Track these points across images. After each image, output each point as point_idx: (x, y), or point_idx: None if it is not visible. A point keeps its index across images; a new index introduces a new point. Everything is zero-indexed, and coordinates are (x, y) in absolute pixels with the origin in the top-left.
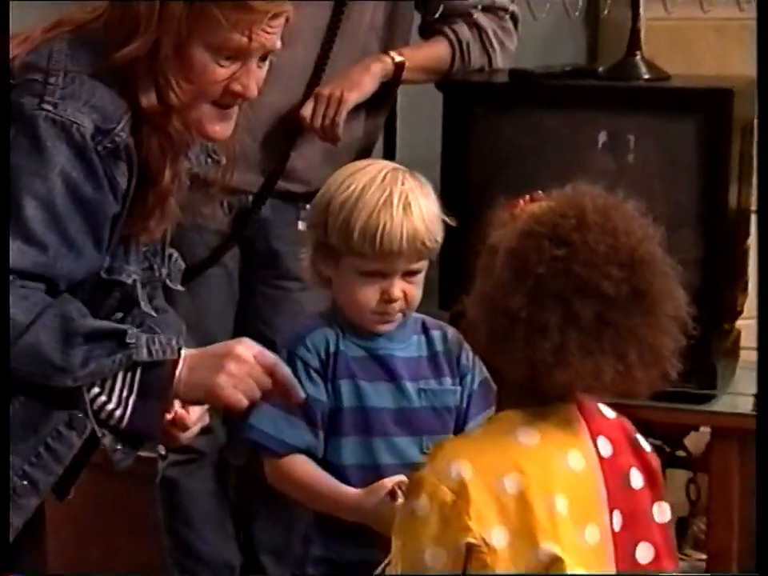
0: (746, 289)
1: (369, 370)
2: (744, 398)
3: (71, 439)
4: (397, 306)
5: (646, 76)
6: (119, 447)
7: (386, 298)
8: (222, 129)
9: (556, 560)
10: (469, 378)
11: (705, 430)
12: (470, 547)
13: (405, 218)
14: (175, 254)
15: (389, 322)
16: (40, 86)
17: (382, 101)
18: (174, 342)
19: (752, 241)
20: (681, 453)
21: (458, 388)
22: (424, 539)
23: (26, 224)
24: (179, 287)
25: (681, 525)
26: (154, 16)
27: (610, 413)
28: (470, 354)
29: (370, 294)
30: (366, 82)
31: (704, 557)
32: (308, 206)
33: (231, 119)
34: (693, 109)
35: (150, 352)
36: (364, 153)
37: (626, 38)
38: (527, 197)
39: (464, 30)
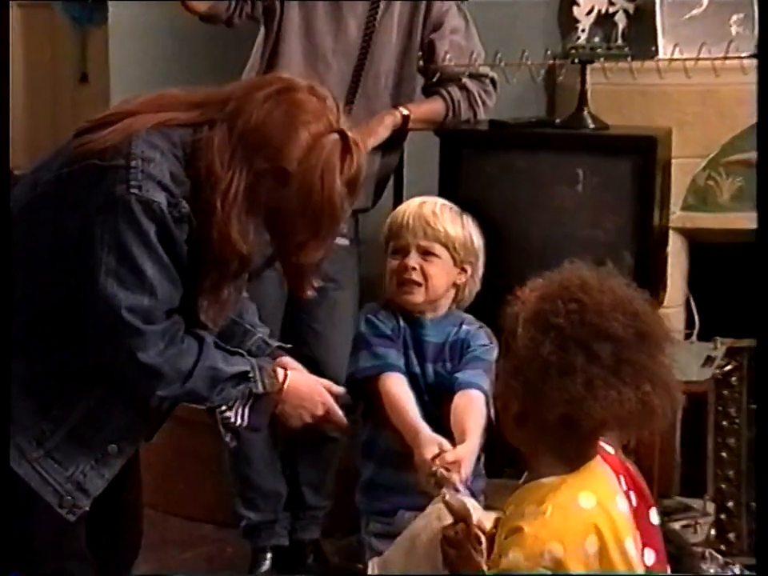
0: (665, 287)
1: (412, 346)
2: None
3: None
4: (414, 276)
5: (591, 126)
6: (233, 439)
7: (404, 267)
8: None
9: None
10: (469, 356)
11: None
12: None
13: (417, 208)
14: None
15: (410, 294)
16: (124, 170)
17: (394, 144)
18: (280, 374)
19: (669, 250)
20: None
21: (459, 375)
22: None
23: (149, 282)
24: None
25: None
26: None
27: (609, 449)
28: (481, 346)
29: (394, 267)
30: (380, 131)
31: None
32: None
33: None
34: (626, 151)
35: (264, 385)
36: (382, 184)
37: (576, 98)
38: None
39: (455, 91)
